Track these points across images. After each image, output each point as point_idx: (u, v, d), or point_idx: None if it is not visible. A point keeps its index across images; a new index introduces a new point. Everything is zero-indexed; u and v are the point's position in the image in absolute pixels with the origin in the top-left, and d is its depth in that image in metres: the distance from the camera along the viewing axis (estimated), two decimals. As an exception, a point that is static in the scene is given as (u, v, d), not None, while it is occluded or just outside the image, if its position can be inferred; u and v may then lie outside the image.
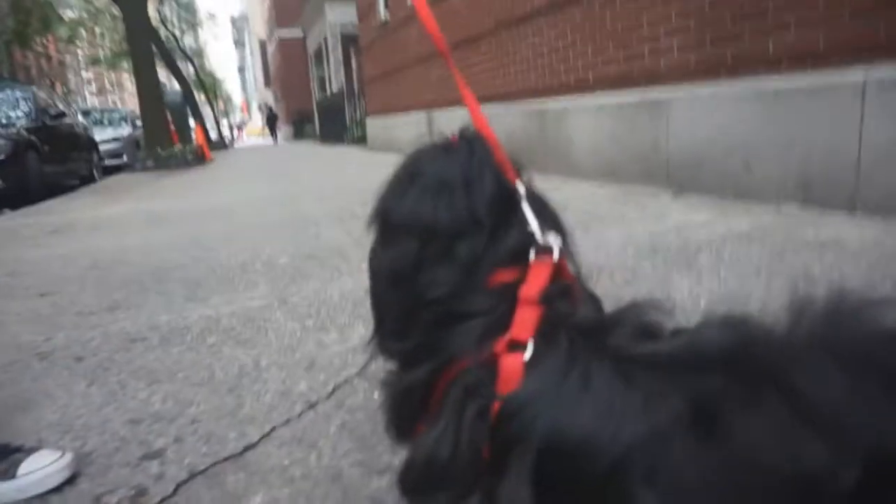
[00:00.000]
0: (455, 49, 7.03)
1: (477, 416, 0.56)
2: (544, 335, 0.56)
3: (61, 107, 9.42)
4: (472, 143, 0.73)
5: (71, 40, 27.06)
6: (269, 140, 30.31)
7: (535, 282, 0.61)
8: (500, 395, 0.54)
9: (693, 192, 3.39)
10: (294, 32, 28.87)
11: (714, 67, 3.21)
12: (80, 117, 10.78)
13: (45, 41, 30.40)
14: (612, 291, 1.89)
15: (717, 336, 0.47)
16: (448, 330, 0.63)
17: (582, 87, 4.47)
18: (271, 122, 30.11)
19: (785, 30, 2.79)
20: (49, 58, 37.43)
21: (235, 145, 29.60)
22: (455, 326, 0.62)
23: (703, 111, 3.28)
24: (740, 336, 0.45)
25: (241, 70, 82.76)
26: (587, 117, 4.39)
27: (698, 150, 3.33)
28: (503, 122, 5.75)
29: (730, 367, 0.44)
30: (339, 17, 18.91)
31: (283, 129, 33.39)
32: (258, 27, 52.93)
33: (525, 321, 0.58)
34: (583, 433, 0.46)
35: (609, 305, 0.61)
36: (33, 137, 7.50)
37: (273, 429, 1.25)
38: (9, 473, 1.07)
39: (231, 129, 44.03)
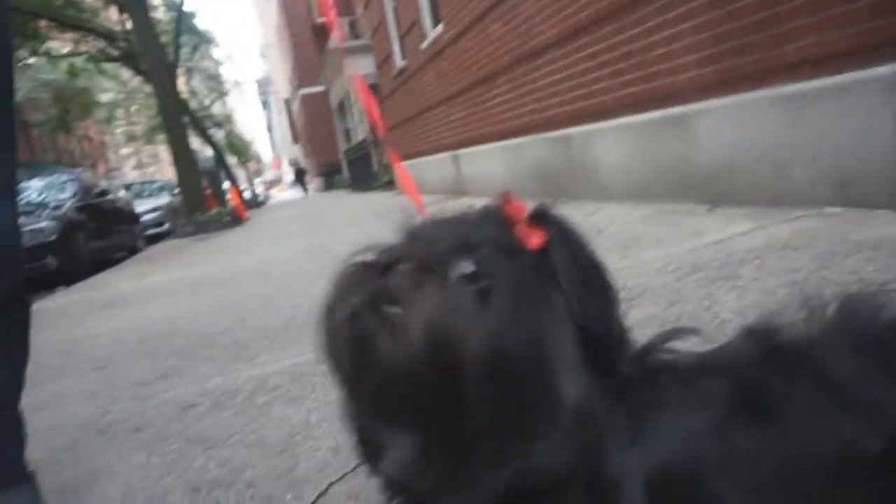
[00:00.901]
0: (473, 88, 7.16)
1: None
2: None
3: (104, 184, 9.88)
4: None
5: (109, 121, 28.49)
6: (299, 193, 31.50)
7: None
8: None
9: (728, 204, 3.33)
10: (316, 88, 29.83)
11: (734, 78, 3.18)
12: (121, 192, 11.29)
13: (85, 124, 32.09)
14: (657, 314, 1.86)
15: (749, 340, 0.53)
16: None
17: (603, 111, 4.49)
18: (300, 176, 31.73)
19: (801, 35, 2.76)
20: (90, 139, 39.42)
21: (269, 202, 30.51)
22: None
23: (728, 122, 3.25)
24: (769, 337, 0.52)
25: (269, 129, 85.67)
26: (612, 140, 4.38)
27: (728, 162, 3.28)
28: (529, 153, 5.79)
29: (765, 363, 0.50)
30: (359, 68, 19.52)
31: (314, 182, 34.24)
32: (281, 87, 54.91)
33: None
34: (669, 448, 0.48)
35: (655, 328, 0.62)
36: (80, 217, 7.87)
37: (329, 486, 1.25)
38: None
39: (264, 186, 45.44)
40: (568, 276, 0.50)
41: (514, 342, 0.47)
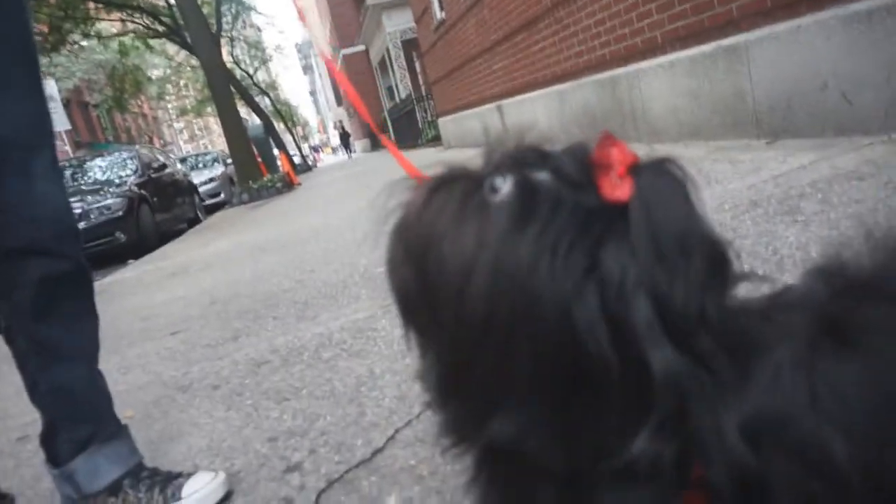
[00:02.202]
0: (515, 34, 6.98)
1: None
2: None
3: (161, 159, 10.22)
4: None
5: (160, 96, 29.25)
6: (345, 155, 32.11)
7: None
8: None
9: (788, 136, 3.18)
10: (357, 48, 29.64)
11: (794, 1, 2.99)
12: (178, 165, 11.66)
13: (139, 102, 33.06)
14: (712, 255, 1.83)
15: (818, 277, 0.51)
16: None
17: (651, 48, 4.31)
18: (344, 139, 32.56)
19: (868, -55, 2.56)
20: (144, 116, 40.65)
21: (318, 165, 31.00)
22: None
23: (787, 50, 3.07)
24: (839, 271, 0.50)
25: (313, 93, 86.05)
26: (661, 78, 4.22)
27: (787, 92, 3.12)
28: (575, 97, 5.65)
29: (840, 295, 0.48)
30: (397, 24, 19.25)
31: (361, 143, 34.44)
32: (322, 49, 54.71)
33: None
34: (757, 389, 0.45)
35: None
36: (143, 191, 8.20)
37: (396, 431, 1.32)
38: (175, 496, 1.21)
39: (313, 150, 46.08)
40: (640, 242, 0.42)
41: (521, 284, 0.41)
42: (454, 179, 0.47)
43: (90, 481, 1.22)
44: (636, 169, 0.45)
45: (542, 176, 0.44)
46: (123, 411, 1.35)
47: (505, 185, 0.44)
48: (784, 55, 3.09)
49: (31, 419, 1.89)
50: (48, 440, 1.25)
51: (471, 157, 0.51)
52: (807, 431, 0.43)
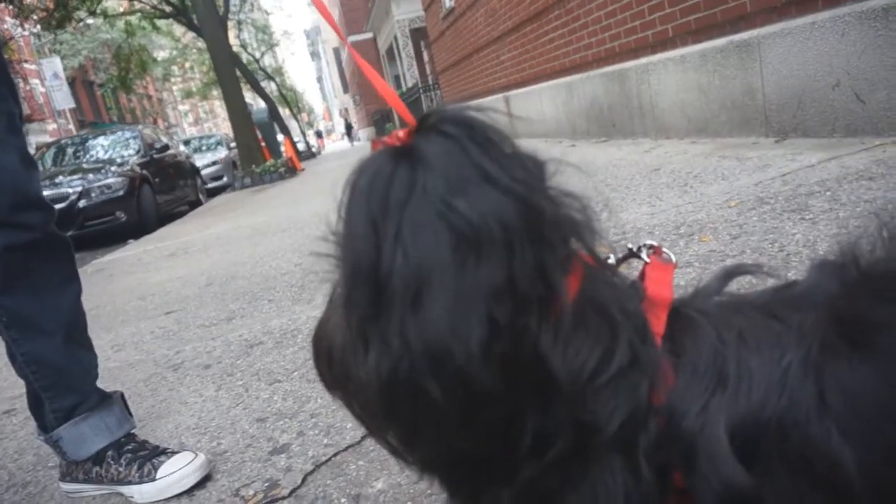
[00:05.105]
0: (525, 25, 6.91)
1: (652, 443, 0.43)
2: (675, 329, 0.48)
3: (165, 140, 10.16)
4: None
5: (166, 78, 29.12)
6: (348, 144, 32.99)
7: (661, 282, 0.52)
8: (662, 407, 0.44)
9: (798, 135, 3.13)
10: (365, 35, 29.49)
11: (808, -4, 2.94)
12: (181, 147, 11.60)
13: (144, 83, 32.94)
14: (717, 248, 1.79)
15: (828, 271, 0.48)
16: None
17: (662, 41, 4.25)
18: (348, 129, 34.79)
19: (887, -60, 2.50)
20: (149, 97, 40.53)
21: (322, 152, 31.00)
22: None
23: (800, 46, 3.02)
24: (851, 265, 0.47)
25: (319, 80, 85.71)
26: (671, 73, 4.17)
27: (799, 89, 3.07)
28: (583, 90, 5.59)
29: (854, 291, 0.45)
30: (406, 12, 19.12)
31: (366, 131, 34.40)
32: (330, 36, 54.51)
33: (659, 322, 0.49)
34: (758, 391, 0.42)
35: (716, 262, 0.57)
36: (145, 172, 8.14)
37: (387, 417, 1.29)
38: (150, 476, 1.18)
39: (318, 136, 46.01)
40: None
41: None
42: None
43: (76, 449, 1.21)
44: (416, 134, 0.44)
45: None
46: (113, 387, 1.32)
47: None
48: (797, 52, 3.04)
49: (18, 393, 1.87)
50: (35, 408, 1.24)
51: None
52: (813, 438, 0.39)
